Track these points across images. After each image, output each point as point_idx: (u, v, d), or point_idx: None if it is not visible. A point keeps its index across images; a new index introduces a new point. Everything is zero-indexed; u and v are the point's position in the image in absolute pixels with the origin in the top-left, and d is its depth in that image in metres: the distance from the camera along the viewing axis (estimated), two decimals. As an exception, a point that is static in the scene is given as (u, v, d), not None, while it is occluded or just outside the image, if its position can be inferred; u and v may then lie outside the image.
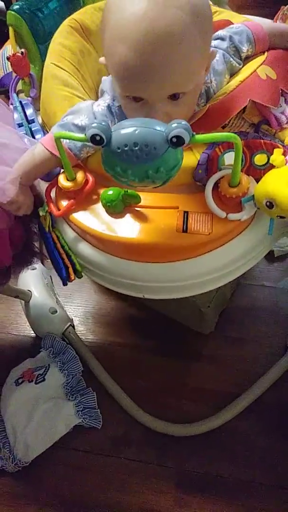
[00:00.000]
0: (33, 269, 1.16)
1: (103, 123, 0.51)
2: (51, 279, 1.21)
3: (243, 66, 0.71)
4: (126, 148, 0.51)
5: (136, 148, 0.50)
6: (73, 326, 1.13)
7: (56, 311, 1.12)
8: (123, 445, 0.98)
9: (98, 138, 0.51)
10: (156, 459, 0.95)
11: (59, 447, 0.97)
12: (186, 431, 0.97)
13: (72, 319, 1.15)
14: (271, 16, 0.80)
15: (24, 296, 1.12)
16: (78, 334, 1.12)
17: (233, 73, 0.71)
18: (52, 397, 1.01)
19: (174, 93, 0.58)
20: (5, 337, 1.16)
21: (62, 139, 0.60)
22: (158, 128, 0.51)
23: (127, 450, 0.97)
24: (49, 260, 0.79)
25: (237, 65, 0.71)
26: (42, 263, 0.91)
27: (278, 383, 1.00)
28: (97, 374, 1.05)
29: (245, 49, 0.71)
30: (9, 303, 1.20)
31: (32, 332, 1.15)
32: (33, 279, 1.16)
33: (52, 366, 1.05)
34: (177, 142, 0.49)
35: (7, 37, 0.88)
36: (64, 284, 0.74)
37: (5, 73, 0.99)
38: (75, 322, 1.15)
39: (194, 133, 0.50)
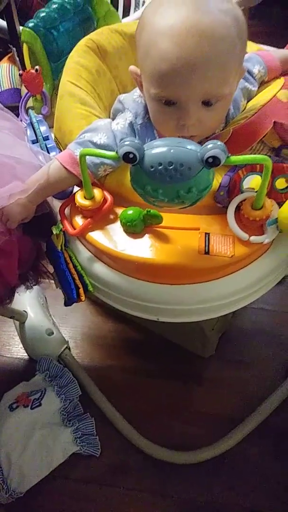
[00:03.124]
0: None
1: (136, 141, 0.51)
2: (46, 300, 1.18)
3: (259, 91, 0.72)
4: (160, 167, 0.50)
5: (171, 167, 0.50)
6: (69, 349, 1.10)
7: (53, 333, 1.09)
8: (123, 473, 0.94)
9: (131, 156, 0.50)
10: (157, 487, 0.92)
11: (55, 476, 0.93)
12: (188, 459, 0.94)
13: (68, 341, 1.11)
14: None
15: (20, 317, 1.08)
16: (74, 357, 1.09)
17: (250, 98, 0.72)
18: (48, 423, 0.97)
19: (209, 98, 0.58)
20: (-3, 360, 1.12)
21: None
22: (192, 148, 0.50)
23: (127, 479, 0.94)
24: (52, 281, 0.76)
25: (252, 88, 0.72)
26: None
27: (284, 406, 0.98)
28: (95, 398, 1.01)
29: (256, 70, 0.73)
30: (0, 324, 1.16)
31: (26, 354, 1.11)
32: (28, 299, 1.13)
33: (49, 390, 1.01)
34: (213, 162, 0.49)
35: (2, 56, 0.88)
36: (69, 304, 0.71)
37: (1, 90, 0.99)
38: (71, 345, 1.12)
39: (229, 154, 0.50)
